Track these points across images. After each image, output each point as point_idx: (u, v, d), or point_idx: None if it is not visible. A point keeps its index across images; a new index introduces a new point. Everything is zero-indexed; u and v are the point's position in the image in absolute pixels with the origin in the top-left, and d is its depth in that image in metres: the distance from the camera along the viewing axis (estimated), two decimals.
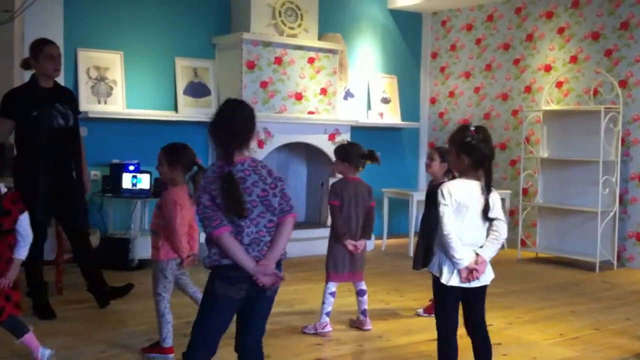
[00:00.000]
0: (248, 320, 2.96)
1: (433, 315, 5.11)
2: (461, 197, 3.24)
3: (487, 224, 3.29)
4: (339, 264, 4.70)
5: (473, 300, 3.37)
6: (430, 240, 5.13)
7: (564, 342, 4.65)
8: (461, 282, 3.25)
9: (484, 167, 3.26)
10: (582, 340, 4.70)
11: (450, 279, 3.27)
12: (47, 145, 4.77)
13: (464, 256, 3.22)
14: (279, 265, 2.96)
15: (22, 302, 3.78)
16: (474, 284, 3.29)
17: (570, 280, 6.67)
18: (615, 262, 7.26)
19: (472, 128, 3.29)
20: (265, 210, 2.91)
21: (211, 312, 2.90)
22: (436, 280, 3.35)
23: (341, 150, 4.81)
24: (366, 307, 4.81)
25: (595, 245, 7.14)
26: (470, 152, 3.24)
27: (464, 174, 3.31)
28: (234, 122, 2.90)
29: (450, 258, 3.24)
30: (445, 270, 3.28)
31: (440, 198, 3.26)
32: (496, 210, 3.29)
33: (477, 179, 3.29)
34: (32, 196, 4.48)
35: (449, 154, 3.42)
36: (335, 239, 4.71)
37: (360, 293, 4.81)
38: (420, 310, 5.27)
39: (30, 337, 3.67)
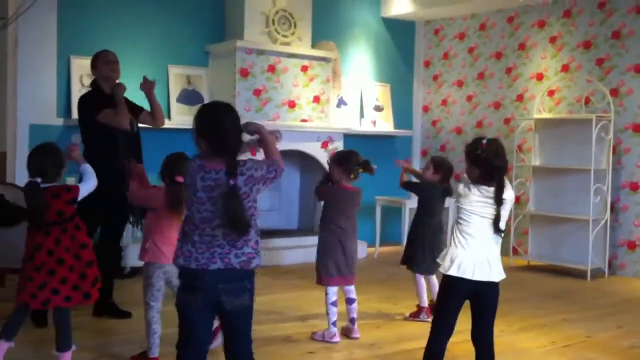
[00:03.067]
0: (227, 335, 2.93)
1: (419, 319, 5.21)
2: (476, 198, 3.32)
3: (496, 235, 3.36)
4: (331, 266, 4.69)
5: (481, 303, 3.40)
6: (422, 242, 5.22)
7: (556, 350, 4.66)
8: None
9: (494, 179, 3.32)
10: (574, 348, 4.72)
11: (459, 270, 3.32)
12: (113, 150, 4.92)
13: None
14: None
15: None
16: (482, 278, 3.32)
17: (562, 288, 6.70)
18: (606, 270, 7.29)
19: (485, 141, 3.35)
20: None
21: (181, 324, 2.88)
22: (443, 278, 3.42)
23: (337, 156, 4.86)
24: (355, 315, 4.81)
25: (586, 253, 7.17)
26: (480, 164, 3.32)
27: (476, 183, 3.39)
28: (239, 126, 2.88)
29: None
30: (454, 261, 3.34)
31: (460, 184, 3.38)
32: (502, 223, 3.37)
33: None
34: (95, 201, 4.49)
35: (465, 165, 3.47)
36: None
37: (349, 301, 4.79)
38: (407, 315, 5.35)
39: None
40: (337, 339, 4.67)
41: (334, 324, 4.68)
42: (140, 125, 5.38)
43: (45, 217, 3.61)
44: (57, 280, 3.60)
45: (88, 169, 3.88)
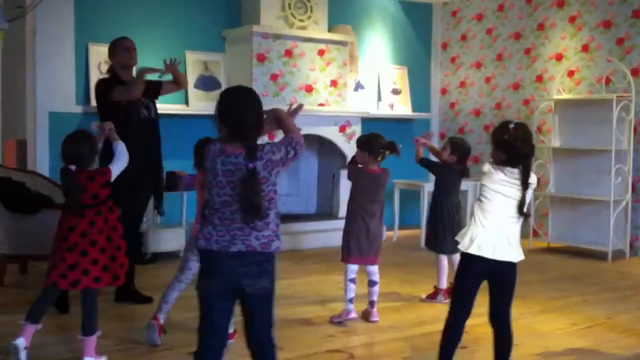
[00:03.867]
0: (247, 320, 2.91)
1: (436, 300, 5.21)
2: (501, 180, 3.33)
3: (520, 218, 3.36)
4: (353, 246, 4.72)
5: (500, 283, 3.40)
6: (439, 222, 5.23)
7: (576, 332, 4.65)
8: None
9: (521, 164, 3.31)
10: (595, 330, 4.70)
11: (479, 249, 3.32)
12: (136, 136, 4.93)
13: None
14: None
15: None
16: (502, 258, 3.33)
17: (582, 270, 6.66)
18: (628, 252, 7.24)
19: (512, 125, 3.34)
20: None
21: (201, 309, 2.88)
22: (462, 256, 3.43)
23: (362, 139, 4.87)
24: (375, 298, 4.83)
25: (607, 235, 7.11)
26: (507, 149, 3.31)
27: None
28: (260, 110, 2.89)
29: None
30: (474, 240, 3.34)
31: (486, 163, 3.39)
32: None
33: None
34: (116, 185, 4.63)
35: (491, 148, 3.45)
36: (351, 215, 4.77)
37: (370, 283, 4.82)
38: (424, 296, 5.38)
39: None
40: (353, 314, 4.71)
41: (350, 300, 4.71)
42: (159, 111, 5.39)
43: (81, 200, 3.69)
44: (89, 261, 3.68)
45: (120, 147, 3.96)
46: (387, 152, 4.74)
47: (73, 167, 3.70)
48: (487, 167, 3.38)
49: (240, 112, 2.84)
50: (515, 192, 3.32)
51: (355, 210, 4.75)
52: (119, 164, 3.91)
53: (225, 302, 2.87)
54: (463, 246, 3.39)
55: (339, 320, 4.70)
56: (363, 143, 4.79)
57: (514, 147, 3.29)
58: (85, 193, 3.70)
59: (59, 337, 4.25)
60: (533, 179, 3.37)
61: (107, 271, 3.75)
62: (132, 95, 5.01)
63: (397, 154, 4.76)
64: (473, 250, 3.34)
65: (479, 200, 3.40)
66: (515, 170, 3.31)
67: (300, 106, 3.16)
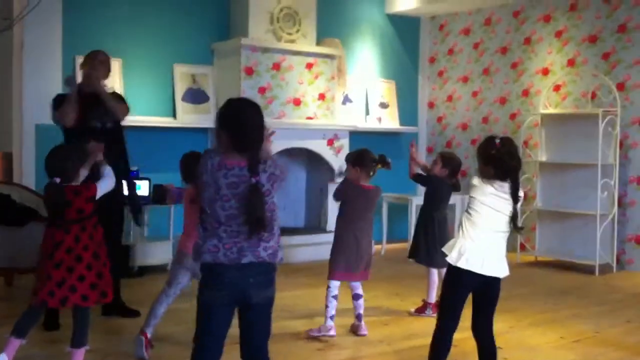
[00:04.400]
0: (246, 329, 2.92)
1: (425, 314, 5.21)
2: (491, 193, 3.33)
3: (507, 233, 3.39)
4: (342, 262, 4.70)
5: (485, 296, 3.41)
6: (428, 234, 5.23)
7: (565, 346, 4.65)
8: None
9: (509, 178, 3.33)
10: (584, 343, 4.70)
11: (467, 263, 3.32)
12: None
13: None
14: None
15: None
16: (490, 273, 3.34)
17: (570, 284, 6.68)
18: (615, 265, 7.27)
19: (497, 140, 3.36)
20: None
21: (202, 320, 2.88)
22: (450, 269, 3.42)
23: (352, 155, 4.84)
24: (361, 311, 4.81)
25: (594, 249, 7.14)
26: (495, 164, 3.32)
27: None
28: (263, 123, 2.88)
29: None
30: (463, 254, 3.34)
31: (475, 176, 3.40)
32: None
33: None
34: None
35: (479, 164, 3.46)
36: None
37: (355, 297, 4.80)
38: (412, 310, 5.37)
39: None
40: (333, 332, 4.66)
41: (331, 317, 4.67)
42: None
43: (66, 215, 3.65)
44: (75, 277, 3.63)
45: (107, 170, 3.92)
46: (378, 166, 4.74)
47: (58, 180, 3.66)
48: (476, 180, 3.39)
49: (246, 123, 2.85)
50: (505, 206, 3.34)
51: (347, 226, 4.72)
52: (105, 184, 3.84)
53: (228, 312, 2.88)
54: (451, 259, 3.39)
55: (316, 335, 4.64)
56: (355, 159, 4.76)
57: (502, 161, 3.31)
58: (70, 208, 3.66)
59: (47, 351, 4.20)
60: (520, 193, 3.39)
61: (95, 289, 3.69)
62: (62, 121, 4.91)
63: (389, 168, 4.76)
64: (461, 264, 3.34)
65: (468, 213, 3.40)
66: (505, 184, 3.33)
67: (273, 133, 3.15)
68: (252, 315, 2.89)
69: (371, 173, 4.74)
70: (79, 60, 6.76)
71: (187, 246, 4.02)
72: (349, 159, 4.83)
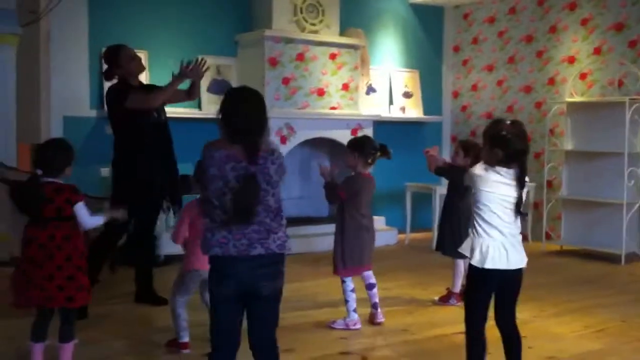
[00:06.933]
0: (255, 321, 2.93)
1: (449, 303, 5.20)
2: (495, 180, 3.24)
3: (517, 219, 3.28)
4: (356, 255, 4.69)
5: (509, 288, 3.35)
6: (454, 225, 5.21)
7: (590, 335, 4.63)
8: None
9: (517, 161, 3.23)
10: (609, 332, 4.69)
11: (494, 262, 3.24)
12: (148, 140, 5.09)
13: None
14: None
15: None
16: (515, 266, 3.27)
17: (595, 273, 6.64)
18: None
19: (508, 122, 3.28)
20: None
21: (213, 311, 2.92)
22: (473, 271, 3.32)
23: (352, 141, 4.83)
24: (377, 300, 4.82)
25: (620, 238, 7.09)
26: (504, 146, 3.20)
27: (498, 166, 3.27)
28: (263, 112, 2.87)
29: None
30: (485, 254, 3.25)
31: (477, 166, 3.30)
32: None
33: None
34: (128, 192, 4.92)
35: (482, 147, 3.36)
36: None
37: (369, 287, 4.81)
38: (436, 299, 5.37)
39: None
40: (359, 325, 4.67)
41: (354, 310, 4.68)
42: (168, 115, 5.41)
43: (44, 212, 3.53)
44: (45, 275, 3.50)
45: (98, 218, 3.76)
46: (378, 155, 4.71)
47: (40, 172, 3.55)
48: (479, 169, 3.26)
49: (240, 112, 2.84)
50: (512, 192, 3.23)
51: (358, 218, 4.68)
52: (93, 218, 3.68)
53: (239, 303, 2.89)
54: (475, 261, 3.28)
55: (341, 328, 4.63)
56: (354, 144, 4.74)
57: (511, 143, 3.20)
58: (49, 205, 3.52)
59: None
60: (526, 178, 3.29)
61: (62, 291, 3.52)
62: (150, 105, 5.05)
63: (389, 157, 4.74)
64: (488, 265, 3.24)
65: (477, 208, 3.27)
66: (511, 171, 3.23)
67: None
68: (261, 306, 2.89)
69: (369, 161, 4.70)
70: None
71: (192, 262, 4.02)
72: (349, 143, 4.81)
